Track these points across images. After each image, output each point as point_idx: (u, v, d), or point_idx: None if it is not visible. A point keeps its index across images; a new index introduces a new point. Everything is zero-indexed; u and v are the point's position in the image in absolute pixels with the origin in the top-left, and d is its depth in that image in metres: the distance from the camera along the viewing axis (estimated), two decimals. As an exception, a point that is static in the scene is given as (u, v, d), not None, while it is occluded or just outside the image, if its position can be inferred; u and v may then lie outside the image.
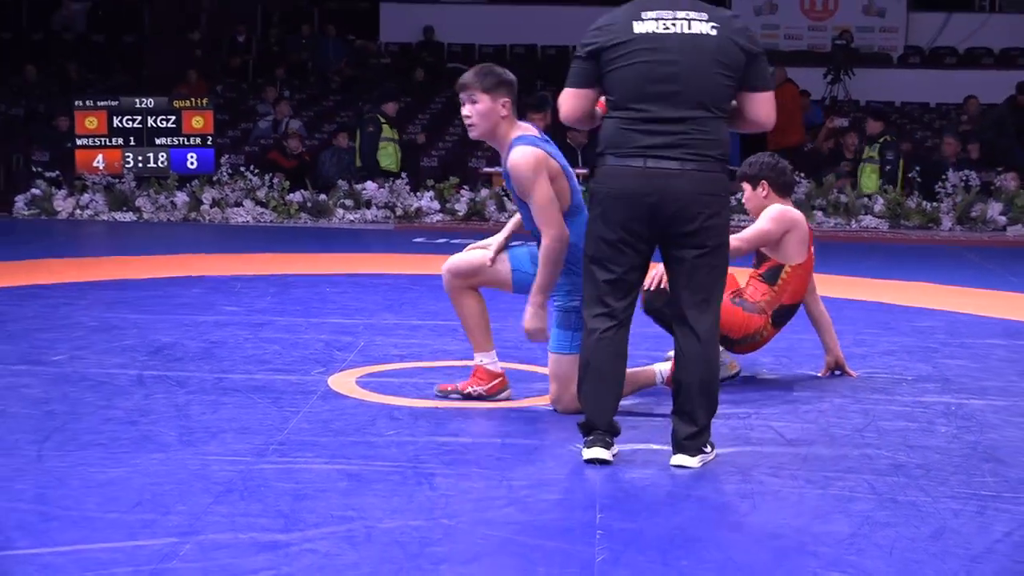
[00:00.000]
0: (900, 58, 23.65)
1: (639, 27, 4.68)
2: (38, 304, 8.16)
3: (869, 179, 16.24)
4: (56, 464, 4.62)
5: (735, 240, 5.67)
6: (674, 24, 4.68)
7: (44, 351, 6.72)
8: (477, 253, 5.80)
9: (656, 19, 4.69)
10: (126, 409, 5.48)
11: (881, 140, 16.45)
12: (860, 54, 22.93)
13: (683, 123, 4.66)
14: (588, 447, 4.81)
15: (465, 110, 5.47)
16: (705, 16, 4.71)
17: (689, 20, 4.69)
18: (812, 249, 6.46)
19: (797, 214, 6.39)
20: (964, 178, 15.74)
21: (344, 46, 23.42)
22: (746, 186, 6.50)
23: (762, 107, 4.83)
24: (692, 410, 4.78)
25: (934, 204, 15.53)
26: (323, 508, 4.17)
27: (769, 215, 6.30)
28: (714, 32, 4.68)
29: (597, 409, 4.83)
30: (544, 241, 5.37)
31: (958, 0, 24.62)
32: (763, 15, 23.77)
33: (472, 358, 5.88)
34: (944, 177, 15.84)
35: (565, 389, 5.51)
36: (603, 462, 4.75)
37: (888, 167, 16.22)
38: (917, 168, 16.37)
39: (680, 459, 4.77)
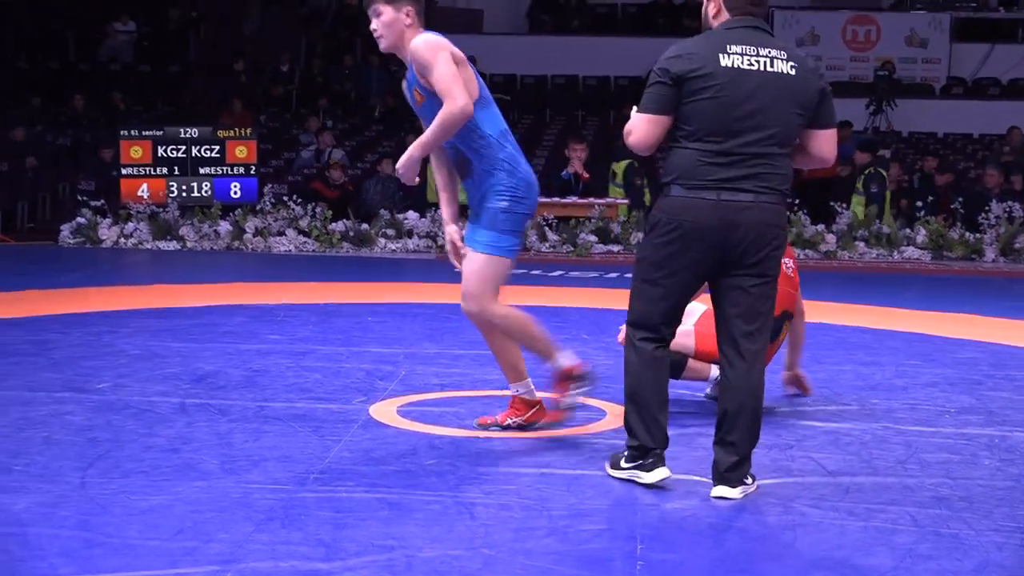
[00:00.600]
0: (943, 89, 23.56)
1: (725, 60, 4.71)
2: (82, 332, 8.21)
3: (856, 209, 16.20)
4: (99, 491, 4.64)
5: None
6: (758, 61, 4.73)
7: (88, 379, 6.75)
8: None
9: (741, 54, 4.73)
10: (168, 437, 5.50)
11: (866, 172, 16.41)
12: (902, 85, 22.86)
13: (758, 158, 4.71)
14: (650, 470, 4.85)
15: (372, 25, 5.56)
16: (785, 55, 4.78)
17: (772, 58, 4.75)
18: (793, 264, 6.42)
19: None
20: (1007, 209, 15.64)
21: (387, 76, 23.51)
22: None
23: (827, 143, 4.92)
24: (737, 440, 4.77)
25: (977, 235, 15.44)
26: (364, 537, 4.17)
27: None
28: (793, 72, 4.75)
29: (655, 428, 4.86)
30: (445, 109, 5.31)
31: (1001, 31, 24.51)
32: (805, 46, 23.72)
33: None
34: (987, 208, 15.75)
35: (471, 284, 5.51)
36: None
37: (873, 199, 16.15)
38: (960, 199, 16.29)
39: (721, 490, 4.76)
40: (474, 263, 5.51)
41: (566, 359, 5.73)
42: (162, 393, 6.42)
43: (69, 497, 4.56)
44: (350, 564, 3.86)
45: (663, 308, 4.84)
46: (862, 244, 15.28)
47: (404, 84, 5.72)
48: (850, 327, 9.30)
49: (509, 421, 5.82)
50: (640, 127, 4.77)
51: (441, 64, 5.33)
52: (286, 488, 4.74)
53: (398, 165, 5.48)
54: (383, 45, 5.58)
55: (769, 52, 4.75)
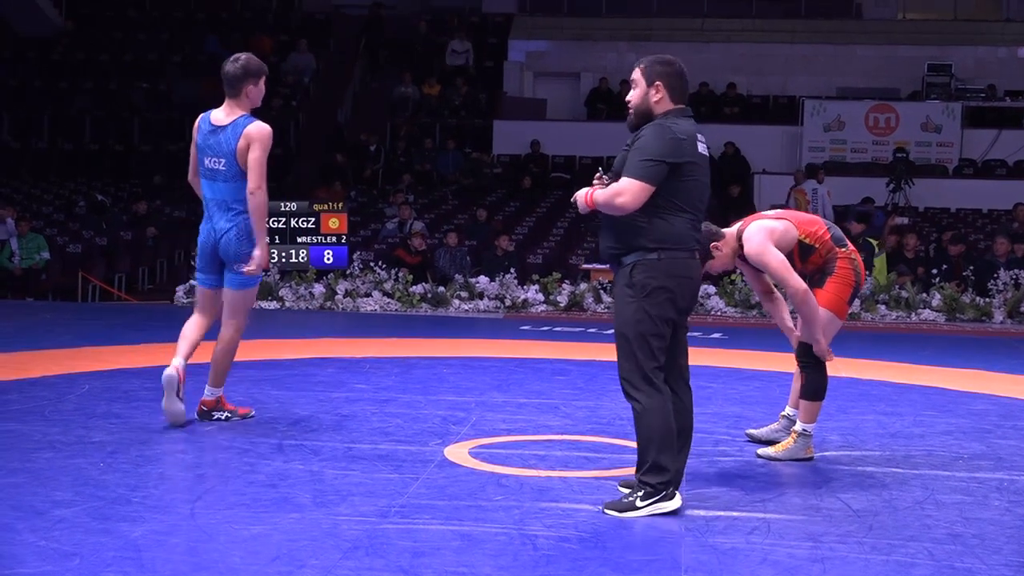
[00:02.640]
0: (955, 169, 23.42)
1: (700, 148, 5.03)
2: (193, 381, 8.24)
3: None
4: (206, 521, 4.66)
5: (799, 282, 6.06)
6: (704, 146, 5.09)
7: (198, 422, 6.79)
8: None
9: (703, 142, 5.08)
10: (267, 473, 5.52)
11: (858, 241, 16.27)
12: (917, 166, 22.76)
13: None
14: (672, 497, 4.96)
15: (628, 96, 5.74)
16: (703, 137, 5.10)
17: (704, 143, 5.10)
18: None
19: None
20: (1014, 276, 15.47)
21: (462, 157, 23.67)
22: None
23: None
24: (681, 447, 5.08)
25: (987, 299, 15.27)
26: (439, 564, 4.16)
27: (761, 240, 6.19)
28: (707, 152, 5.13)
29: (677, 461, 5.03)
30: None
31: (1008, 119, 24.39)
32: (832, 131, 23.68)
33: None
34: (996, 275, 15.59)
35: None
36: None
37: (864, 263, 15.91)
38: (971, 267, 16.13)
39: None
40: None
41: None
42: (262, 435, 6.44)
43: (180, 526, 4.58)
44: (426, 588, 3.85)
45: (662, 351, 5.01)
46: (883, 307, 15.14)
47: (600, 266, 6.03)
48: (873, 381, 9.21)
49: None
50: (639, 194, 4.87)
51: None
52: (370, 520, 4.73)
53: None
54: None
55: (702, 137, 5.08)
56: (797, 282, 5.99)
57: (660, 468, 4.91)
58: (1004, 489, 5.63)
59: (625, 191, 4.89)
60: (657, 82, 5.04)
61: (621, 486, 5.30)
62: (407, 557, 4.23)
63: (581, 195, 5.06)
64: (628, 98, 5.13)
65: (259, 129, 6.53)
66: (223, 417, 6.77)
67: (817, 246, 6.19)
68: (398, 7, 28.33)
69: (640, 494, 4.91)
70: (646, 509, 4.88)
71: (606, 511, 4.93)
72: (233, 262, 6.60)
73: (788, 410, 6.58)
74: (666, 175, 4.89)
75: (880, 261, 15.96)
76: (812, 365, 6.19)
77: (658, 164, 4.88)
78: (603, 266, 15.55)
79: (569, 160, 23.95)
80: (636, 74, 5.10)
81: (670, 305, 4.98)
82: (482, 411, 7.42)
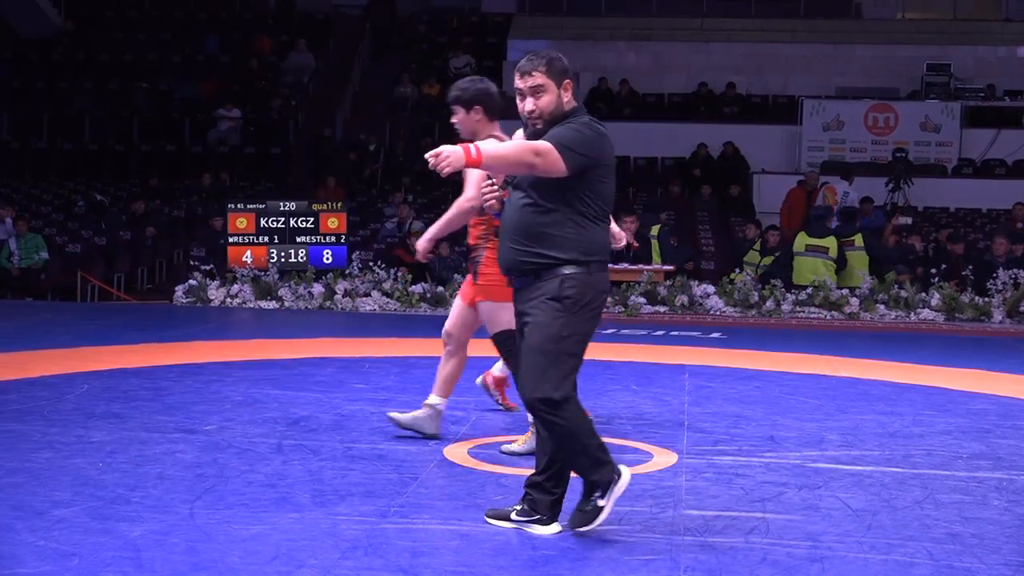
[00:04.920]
0: (954, 169, 23.41)
1: (609, 148, 4.68)
2: (192, 380, 8.27)
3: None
4: (205, 521, 4.66)
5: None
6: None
7: (197, 421, 6.80)
8: None
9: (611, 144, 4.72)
10: (267, 473, 5.52)
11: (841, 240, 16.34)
12: (917, 166, 22.76)
13: None
14: (617, 482, 4.60)
15: None
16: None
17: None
18: None
19: None
20: (1013, 276, 15.46)
21: (463, 157, 23.62)
22: (459, 109, 6.20)
23: None
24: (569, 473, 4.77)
25: (986, 299, 15.26)
26: (438, 564, 4.16)
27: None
28: None
29: (607, 453, 4.68)
30: None
31: (1007, 118, 24.39)
32: (831, 131, 23.67)
33: None
34: (995, 275, 15.58)
35: None
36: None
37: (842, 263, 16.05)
38: (970, 267, 16.12)
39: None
40: None
41: None
42: (261, 435, 6.44)
43: (179, 526, 4.58)
44: (425, 588, 3.85)
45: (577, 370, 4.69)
46: (882, 307, 15.14)
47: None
48: (872, 380, 9.21)
49: None
50: (555, 163, 4.44)
51: None
52: (369, 520, 4.73)
53: None
54: None
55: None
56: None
57: (600, 462, 4.59)
58: (1003, 489, 5.63)
59: (545, 152, 4.44)
60: (566, 80, 4.63)
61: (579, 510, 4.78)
62: (406, 557, 4.23)
63: (454, 151, 4.37)
64: (531, 108, 4.61)
65: None
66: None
67: None
68: (398, 7, 28.33)
69: (597, 494, 4.59)
70: (610, 503, 4.57)
71: (574, 529, 4.61)
72: None
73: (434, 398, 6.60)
74: (589, 174, 4.52)
75: (856, 257, 15.93)
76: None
77: (583, 157, 4.49)
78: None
79: (568, 160, 23.92)
80: (539, 78, 4.58)
81: (593, 323, 4.65)
82: (481, 411, 7.42)
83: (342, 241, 16.05)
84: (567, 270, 4.55)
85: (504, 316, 5.90)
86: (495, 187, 4.78)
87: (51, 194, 22.11)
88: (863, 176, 21.67)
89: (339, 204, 16.46)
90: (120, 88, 25.25)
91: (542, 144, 4.45)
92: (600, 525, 4.58)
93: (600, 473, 4.59)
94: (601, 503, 4.57)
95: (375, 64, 27.11)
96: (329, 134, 23.96)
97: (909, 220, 19.17)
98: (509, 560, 4.25)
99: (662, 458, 6.08)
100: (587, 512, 4.60)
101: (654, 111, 24.95)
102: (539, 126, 4.61)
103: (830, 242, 15.60)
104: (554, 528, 4.64)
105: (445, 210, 6.45)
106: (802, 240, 15.66)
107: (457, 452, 6.12)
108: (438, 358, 6.61)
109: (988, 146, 23.74)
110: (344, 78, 26.03)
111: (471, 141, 4.67)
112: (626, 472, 4.65)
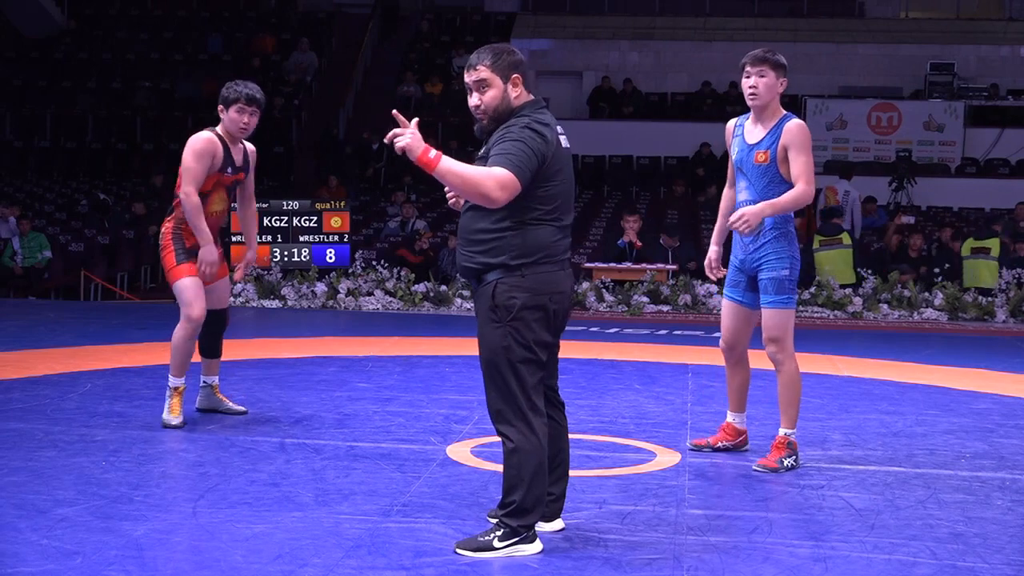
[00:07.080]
0: (957, 168, 23.41)
1: (564, 143, 4.51)
2: (195, 379, 8.25)
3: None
4: (208, 520, 4.66)
5: None
6: (565, 139, 4.53)
7: (200, 421, 6.80)
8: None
9: (562, 134, 4.52)
10: (269, 472, 5.52)
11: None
12: (920, 165, 22.76)
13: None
14: (532, 542, 4.38)
15: (752, 81, 5.86)
16: (561, 129, 4.56)
17: (563, 135, 4.55)
18: None
19: None
20: (1016, 275, 15.46)
21: (464, 156, 23.61)
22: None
23: None
24: (562, 474, 4.66)
25: (989, 299, 15.26)
26: (441, 563, 4.16)
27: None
28: (568, 144, 4.56)
29: (562, 489, 4.62)
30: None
31: (1010, 118, 24.38)
32: (834, 130, 23.68)
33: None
34: (947, 266, 15.70)
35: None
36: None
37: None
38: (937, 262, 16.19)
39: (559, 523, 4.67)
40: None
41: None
42: (264, 434, 6.44)
43: (182, 525, 4.58)
44: (428, 587, 3.85)
45: (541, 383, 4.46)
46: (885, 306, 15.14)
47: (738, 141, 5.97)
48: (875, 380, 9.20)
49: (720, 444, 6.23)
50: (511, 188, 4.24)
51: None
52: (372, 519, 4.74)
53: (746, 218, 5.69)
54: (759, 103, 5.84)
55: (561, 130, 4.54)
56: None
57: (524, 512, 4.33)
58: (1006, 488, 5.63)
59: (508, 185, 4.25)
60: (515, 75, 4.44)
61: (489, 516, 4.70)
62: (409, 556, 4.24)
63: (415, 139, 4.32)
64: (475, 103, 4.45)
65: None
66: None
67: None
68: (401, 6, 28.35)
69: (499, 534, 4.33)
70: (504, 551, 4.30)
71: (459, 551, 4.32)
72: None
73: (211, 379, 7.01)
74: (532, 178, 4.31)
75: (840, 255, 15.99)
76: None
77: (530, 173, 4.30)
78: (604, 265, 15.57)
79: (572, 158, 23.93)
80: (484, 72, 4.41)
81: (542, 326, 4.37)
82: (484, 410, 7.39)
83: (345, 240, 16.06)
84: (492, 276, 4.37)
85: None
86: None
87: (54, 193, 22.13)
88: (867, 176, 21.67)
89: (342, 203, 16.46)
90: (123, 87, 25.30)
91: (505, 176, 4.23)
92: (475, 559, 4.29)
93: (516, 519, 4.34)
94: (498, 545, 4.32)
95: (378, 63, 27.13)
96: (332, 133, 23.98)
97: (912, 219, 19.18)
98: (511, 559, 4.25)
99: (665, 457, 6.08)
100: (478, 541, 4.37)
101: (657, 110, 24.97)
102: (484, 122, 4.47)
103: (845, 237, 16.11)
104: (537, 546, 4.40)
105: (449, 209, 6.44)
106: (816, 240, 16.10)
107: (460, 451, 6.12)
108: (441, 357, 6.60)
109: (991, 145, 23.74)
110: (347, 77, 26.05)
111: None
112: (539, 544, 4.39)
